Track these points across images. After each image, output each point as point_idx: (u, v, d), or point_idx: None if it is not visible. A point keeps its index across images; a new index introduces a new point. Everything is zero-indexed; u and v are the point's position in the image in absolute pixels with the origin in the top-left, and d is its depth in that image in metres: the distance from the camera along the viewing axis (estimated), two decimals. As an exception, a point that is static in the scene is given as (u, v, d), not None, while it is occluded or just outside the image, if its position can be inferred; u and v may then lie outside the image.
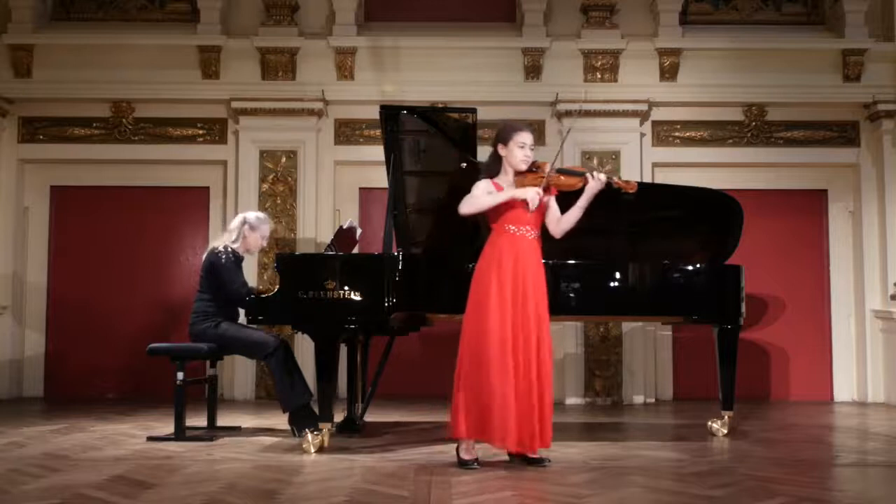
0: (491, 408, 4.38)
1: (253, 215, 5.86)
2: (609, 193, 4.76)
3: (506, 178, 4.66)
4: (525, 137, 4.62)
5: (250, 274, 7.51)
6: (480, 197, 4.55)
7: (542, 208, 4.61)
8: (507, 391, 4.38)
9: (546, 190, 4.60)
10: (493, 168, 4.68)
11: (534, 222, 4.60)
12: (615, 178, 4.76)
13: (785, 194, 8.42)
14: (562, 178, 4.66)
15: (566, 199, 4.69)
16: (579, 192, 4.63)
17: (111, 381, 8.18)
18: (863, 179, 8.30)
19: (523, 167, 4.63)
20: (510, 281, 4.47)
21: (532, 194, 4.50)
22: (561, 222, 4.67)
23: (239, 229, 5.76)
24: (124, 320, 8.20)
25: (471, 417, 4.44)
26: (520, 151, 4.61)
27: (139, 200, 8.40)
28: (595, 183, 4.60)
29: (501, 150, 4.64)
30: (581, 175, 4.66)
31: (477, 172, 4.81)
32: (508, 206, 4.55)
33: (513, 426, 4.37)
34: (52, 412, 6.99)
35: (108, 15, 8.50)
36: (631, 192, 4.72)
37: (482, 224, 4.72)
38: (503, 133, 4.65)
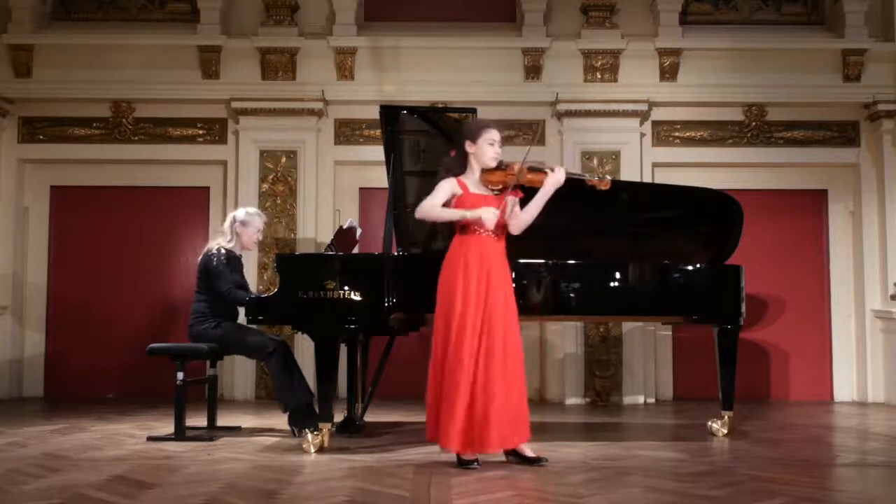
0: (445, 413, 4.40)
1: (242, 212, 5.86)
2: (608, 193, 4.75)
3: (472, 176, 4.63)
4: (495, 134, 4.59)
5: (250, 274, 7.51)
6: (437, 207, 4.54)
7: (505, 209, 4.58)
8: (458, 396, 4.37)
9: (514, 188, 4.57)
10: (458, 167, 4.64)
11: (498, 223, 4.58)
12: (587, 176, 4.72)
13: (785, 194, 8.42)
14: (533, 174, 4.62)
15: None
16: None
17: (111, 381, 8.17)
18: (863, 179, 8.30)
19: (493, 164, 4.59)
20: (475, 281, 4.47)
21: (489, 215, 4.48)
22: (519, 218, 4.61)
23: (230, 228, 5.77)
24: (124, 320, 8.20)
25: (433, 421, 4.48)
26: (490, 149, 4.57)
27: (139, 200, 8.40)
28: (554, 176, 4.57)
29: (469, 148, 4.60)
30: (546, 171, 4.64)
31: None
32: (473, 205, 4.52)
33: (460, 428, 4.37)
34: (52, 412, 6.98)
35: (108, 15, 8.50)
36: (605, 188, 4.69)
37: (443, 225, 4.70)
38: (471, 130, 4.61)
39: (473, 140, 4.59)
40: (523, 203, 4.66)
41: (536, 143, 7.77)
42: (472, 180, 4.62)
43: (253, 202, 7.83)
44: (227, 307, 5.67)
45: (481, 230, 4.53)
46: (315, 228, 8.15)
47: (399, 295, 5.11)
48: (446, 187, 4.58)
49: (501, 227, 4.60)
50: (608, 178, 4.74)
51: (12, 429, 5.92)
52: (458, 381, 4.39)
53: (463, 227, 4.56)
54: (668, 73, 8.27)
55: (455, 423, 4.37)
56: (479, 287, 4.46)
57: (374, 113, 5.88)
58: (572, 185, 4.73)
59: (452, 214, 4.53)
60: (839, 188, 8.42)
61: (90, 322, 8.24)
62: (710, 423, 5.79)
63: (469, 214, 4.50)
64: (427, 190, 5.66)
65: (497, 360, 4.42)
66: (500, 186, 4.59)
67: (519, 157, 4.62)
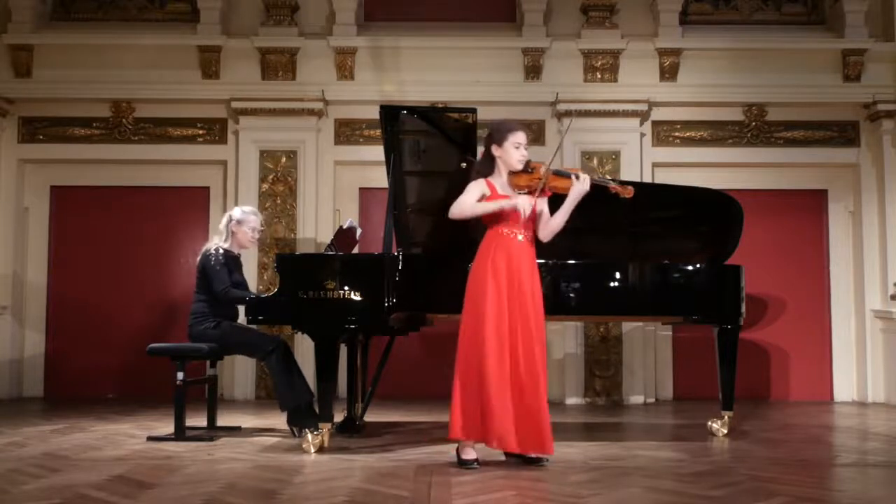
0: (489, 409, 4.38)
1: (238, 210, 5.86)
2: (604, 194, 4.74)
3: (500, 178, 4.64)
4: (521, 137, 4.61)
5: (250, 274, 7.51)
6: (471, 204, 4.55)
7: (535, 211, 4.59)
8: (504, 393, 4.38)
9: (540, 192, 4.59)
10: (486, 168, 4.66)
11: (527, 225, 4.59)
12: (612, 184, 4.72)
13: (785, 194, 8.42)
14: (558, 180, 4.64)
15: (559, 201, 4.68)
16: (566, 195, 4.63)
17: (111, 381, 8.17)
18: (863, 179, 8.30)
19: (519, 167, 4.61)
20: (506, 281, 4.47)
21: (524, 202, 4.49)
22: (548, 226, 4.66)
23: (227, 228, 5.77)
24: (124, 320, 8.20)
25: (468, 419, 4.44)
26: (516, 152, 4.59)
27: (139, 200, 8.40)
28: (580, 185, 4.58)
29: (496, 151, 4.62)
30: (571, 177, 4.64)
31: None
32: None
33: (511, 428, 4.38)
34: (52, 412, 6.98)
35: (108, 15, 8.50)
36: (628, 196, 4.69)
37: (476, 224, 4.71)
38: (498, 133, 4.62)
39: (500, 143, 4.61)
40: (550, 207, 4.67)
41: (536, 144, 7.80)
42: (499, 182, 4.63)
43: (253, 202, 7.84)
44: (226, 307, 5.67)
45: (510, 233, 4.53)
46: (315, 228, 8.15)
47: (399, 295, 5.11)
48: (476, 188, 4.58)
49: (530, 230, 4.61)
50: (630, 187, 4.73)
51: (12, 429, 5.92)
52: (506, 381, 4.38)
53: (492, 229, 4.57)
54: (668, 73, 8.27)
55: (508, 423, 4.36)
56: (510, 290, 4.47)
57: (374, 113, 5.88)
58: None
59: (488, 207, 4.54)
60: (839, 188, 8.42)
61: (90, 322, 8.24)
62: (710, 423, 5.79)
63: (505, 203, 4.51)
64: (428, 190, 5.71)
65: (532, 364, 4.42)
66: (526, 190, 4.60)
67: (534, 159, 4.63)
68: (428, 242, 5.70)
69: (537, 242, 4.69)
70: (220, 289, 5.54)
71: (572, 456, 4.86)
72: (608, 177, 5.08)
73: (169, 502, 3.70)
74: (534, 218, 4.61)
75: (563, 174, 4.69)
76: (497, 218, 4.56)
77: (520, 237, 4.56)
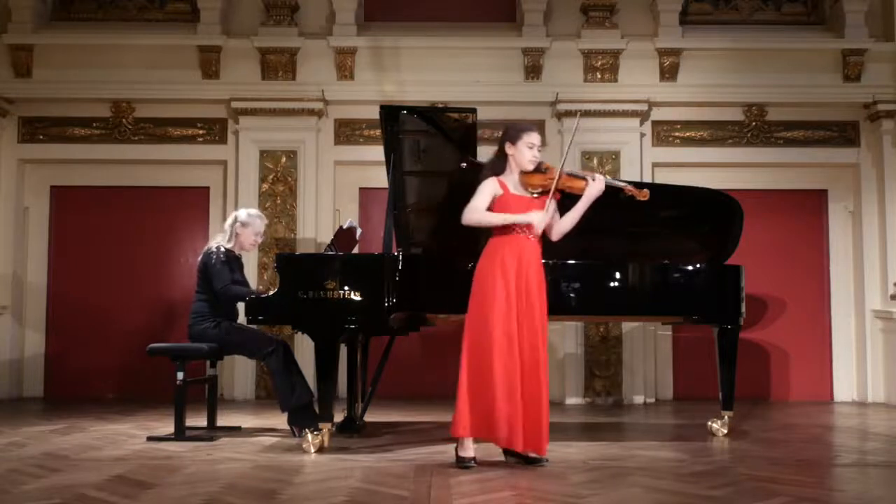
0: (498, 408, 4.38)
1: (244, 212, 5.86)
2: (609, 193, 4.76)
3: (511, 177, 4.67)
4: (534, 138, 4.65)
5: (250, 274, 7.51)
6: (486, 214, 4.57)
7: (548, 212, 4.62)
8: (514, 393, 4.39)
9: (553, 193, 4.62)
10: (499, 166, 4.69)
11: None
12: (627, 186, 4.77)
13: (785, 194, 8.43)
14: (571, 181, 4.69)
15: (564, 201, 4.71)
16: (578, 196, 4.66)
17: (111, 381, 8.17)
18: (863, 179, 8.30)
19: (530, 168, 4.65)
20: (514, 281, 4.49)
21: (538, 219, 4.53)
22: (559, 226, 4.70)
23: (231, 227, 5.77)
24: (124, 320, 8.20)
25: (475, 416, 4.44)
26: (528, 152, 4.63)
27: (139, 200, 8.40)
28: (595, 187, 4.63)
29: (509, 150, 4.65)
30: (586, 179, 4.69)
31: (476, 172, 4.82)
32: (513, 206, 4.57)
33: (519, 428, 4.39)
34: (52, 412, 6.98)
35: (108, 15, 8.51)
36: (644, 199, 4.74)
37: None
38: (512, 132, 4.67)
39: (513, 142, 4.64)
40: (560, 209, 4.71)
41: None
42: (511, 181, 4.65)
43: (253, 202, 7.84)
44: (226, 307, 5.67)
45: (521, 232, 4.55)
46: (315, 228, 8.15)
47: (399, 295, 5.11)
48: (488, 188, 4.61)
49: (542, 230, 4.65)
50: (646, 189, 4.77)
51: (12, 429, 5.92)
52: (516, 382, 4.39)
53: (501, 228, 4.58)
54: (668, 73, 8.27)
55: (517, 423, 4.37)
56: (519, 288, 4.48)
57: (374, 113, 5.89)
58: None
59: (503, 219, 4.56)
60: (839, 188, 8.43)
61: (90, 322, 8.24)
62: (710, 423, 5.79)
63: (519, 219, 4.53)
64: (428, 190, 5.70)
65: (537, 365, 4.44)
66: (539, 189, 4.63)
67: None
68: (428, 242, 5.71)
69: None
70: (220, 286, 5.54)
71: (572, 456, 4.86)
72: (621, 179, 5.10)
73: (169, 502, 3.70)
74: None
75: (576, 175, 4.75)
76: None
77: (531, 236, 4.58)
